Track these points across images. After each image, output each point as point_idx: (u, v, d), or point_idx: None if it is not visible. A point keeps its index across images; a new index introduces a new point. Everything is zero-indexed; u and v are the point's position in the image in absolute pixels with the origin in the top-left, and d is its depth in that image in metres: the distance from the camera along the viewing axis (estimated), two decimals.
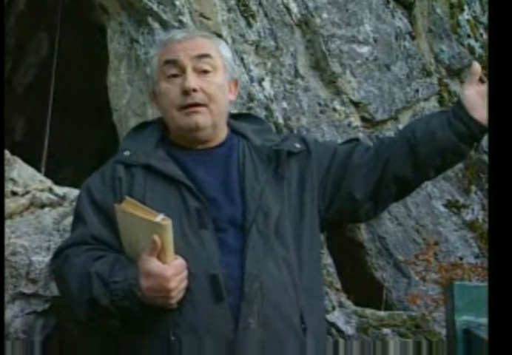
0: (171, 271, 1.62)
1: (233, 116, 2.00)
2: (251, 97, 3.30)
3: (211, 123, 1.83)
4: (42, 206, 2.57)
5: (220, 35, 3.13)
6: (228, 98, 1.91)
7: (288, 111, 3.46)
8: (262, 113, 3.25)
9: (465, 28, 4.13)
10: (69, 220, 2.17)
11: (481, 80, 1.81)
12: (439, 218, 3.65)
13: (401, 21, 3.91)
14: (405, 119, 3.69)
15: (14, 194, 2.58)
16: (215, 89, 1.83)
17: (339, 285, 3.08)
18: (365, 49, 3.71)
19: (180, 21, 3.21)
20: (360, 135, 3.45)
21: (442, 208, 3.67)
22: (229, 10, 3.42)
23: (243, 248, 1.71)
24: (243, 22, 3.46)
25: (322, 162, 1.89)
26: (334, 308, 2.90)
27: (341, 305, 2.95)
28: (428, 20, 4.06)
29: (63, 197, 2.62)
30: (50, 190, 2.65)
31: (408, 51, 3.86)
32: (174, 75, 1.83)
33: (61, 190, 2.66)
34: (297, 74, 3.55)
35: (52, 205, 2.58)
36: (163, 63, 1.86)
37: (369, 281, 3.50)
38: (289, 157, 1.85)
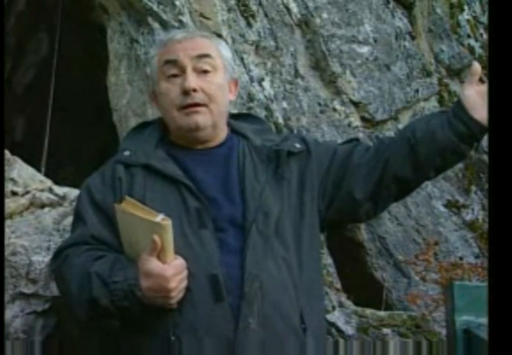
0: (171, 271, 1.62)
1: (233, 116, 2.00)
2: (251, 98, 3.30)
3: (211, 123, 1.83)
4: (42, 206, 2.57)
5: (220, 35, 3.13)
6: (229, 98, 1.91)
7: (288, 111, 3.46)
8: (262, 113, 3.25)
9: (465, 28, 4.13)
10: (69, 220, 2.17)
11: (481, 81, 1.81)
12: (439, 218, 3.65)
13: (401, 21, 3.91)
14: (405, 119, 3.69)
15: (14, 194, 2.58)
16: (215, 89, 1.83)
17: (339, 285, 3.08)
18: (365, 49, 3.71)
19: (180, 21, 3.21)
20: (360, 135, 3.45)
21: (442, 208, 3.67)
22: (229, 10, 3.42)
23: (243, 248, 1.71)
24: (243, 22, 3.46)
25: (322, 162, 1.89)
26: (334, 308, 2.90)
27: (341, 305, 2.95)
28: (428, 20, 4.06)
29: (63, 197, 2.62)
30: (50, 190, 2.65)
31: (408, 51, 3.86)
32: (174, 75, 1.83)
33: (61, 190, 2.66)
34: (297, 74, 3.55)
35: (52, 205, 2.58)
36: (163, 64, 1.86)
37: (369, 281, 3.50)
38: (289, 157, 1.85)
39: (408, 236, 3.55)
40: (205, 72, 1.83)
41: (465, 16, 4.16)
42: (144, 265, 1.64)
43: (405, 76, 3.80)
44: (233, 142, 1.90)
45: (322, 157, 1.89)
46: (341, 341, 2.74)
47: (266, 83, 3.44)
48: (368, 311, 2.93)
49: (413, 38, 3.94)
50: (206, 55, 1.85)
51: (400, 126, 3.54)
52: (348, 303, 2.99)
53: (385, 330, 2.83)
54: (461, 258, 3.49)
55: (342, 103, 3.59)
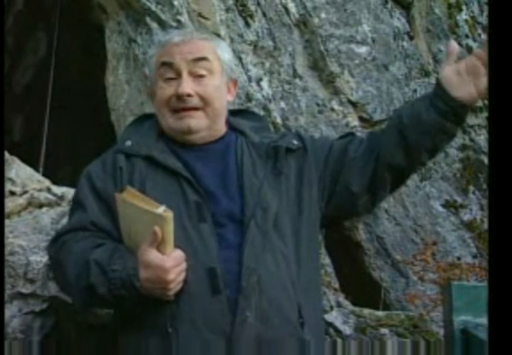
0: (170, 263, 1.62)
1: (231, 112, 1.99)
2: (249, 97, 3.30)
3: (206, 125, 1.83)
4: (40, 206, 2.57)
5: (218, 35, 3.13)
6: (226, 99, 1.90)
7: (286, 111, 3.46)
8: (260, 113, 3.25)
9: (463, 28, 4.14)
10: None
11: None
12: (437, 218, 3.65)
13: (399, 21, 3.91)
14: None
15: (12, 193, 2.57)
16: (211, 92, 1.83)
17: (337, 285, 3.08)
18: (363, 49, 3.71)
19: (179, 21, 3.21)
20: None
21: (440, 208, 3.68)
22: (227, 10, 3.42)
23: (241, 243, 1.71)
24: (241, 22, 3.46)
25: (319, 157, 1.89)
26: (332, 308, 2.90)
27: (339, 305, 2.95)
28: (426, 20, 4.06)
29: (61, 197, 2.61)
30: (48, 190, 2.65)
31: (406, 51, 3.87)
32: (170, 78, 1.83)
33: (59, 190, 2.66)
34: (295, 74, 3.55)
35: (50, 205, 2.58)
36: (159, 65, 1.86)
37: (367, 281, 3.51)
38: (287, 154, 1.85)
39: (406, 236, 3.56)
40: (201, 76, 1.83)
41: (463, 16, 4.17)
42: (144, 255, 1.63)
43: (404, 76, 3.81)
44: (231, 138, 1.90)
45: (318, 153, 1.89)
46: (339, 341, 2.74)
47: (264, 83, 3.44)
48: (366, 311, 2.93)
49: (411, 38, 3.95)
50: (203, 59, 1.84)
51: None
52: (346, 303, 2.99)
53: (383, 330, 2.83)
54: (459, 258, 3.49)
55: (341, 103, 3.59)
